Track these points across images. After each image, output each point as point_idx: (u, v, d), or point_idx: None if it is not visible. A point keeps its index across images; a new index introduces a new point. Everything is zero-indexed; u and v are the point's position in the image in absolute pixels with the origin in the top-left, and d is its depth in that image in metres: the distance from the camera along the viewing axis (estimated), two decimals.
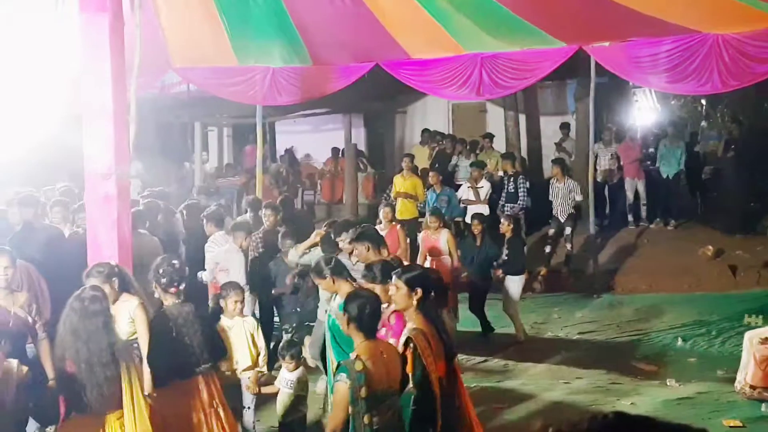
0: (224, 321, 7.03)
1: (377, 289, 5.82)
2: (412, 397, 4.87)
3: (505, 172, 14.91)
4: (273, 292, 9.57)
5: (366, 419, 4.62)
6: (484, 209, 13.70)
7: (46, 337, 6.30)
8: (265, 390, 7.07)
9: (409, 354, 4.91)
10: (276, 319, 10.00)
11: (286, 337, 9.25)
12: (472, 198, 14.13)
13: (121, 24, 7.14)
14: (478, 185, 14.20)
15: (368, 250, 7.45)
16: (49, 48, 8.36)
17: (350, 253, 8.17)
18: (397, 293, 5.22)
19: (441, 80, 12.48)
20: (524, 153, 17.81)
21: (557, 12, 10.40)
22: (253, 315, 8.92)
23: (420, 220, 13.65)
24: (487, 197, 14.19)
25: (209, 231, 9.72)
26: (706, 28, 10.07)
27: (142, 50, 7.70)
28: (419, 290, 5.18)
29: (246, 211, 11.34)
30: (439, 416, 4.93)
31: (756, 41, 9.85)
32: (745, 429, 7.41)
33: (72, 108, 8.75)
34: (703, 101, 21.51)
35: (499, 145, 17.30)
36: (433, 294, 5.31)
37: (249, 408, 7.08)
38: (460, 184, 15.04)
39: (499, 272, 10.76)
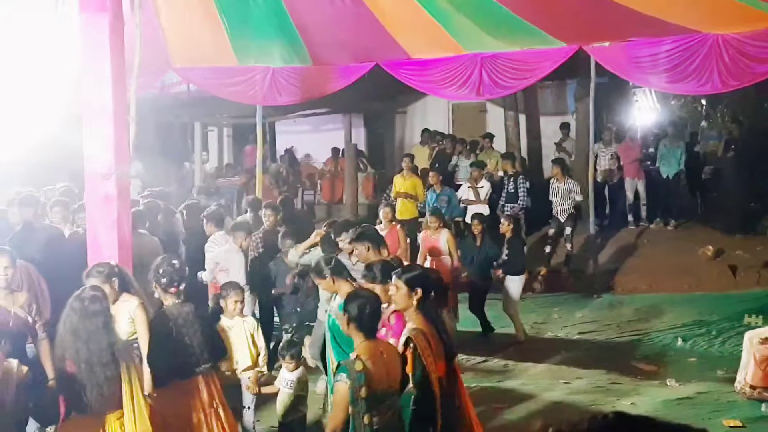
0: (224, 321, 7.03)
1: (377, 289, 5.82)
2: (412, 397, 4.86)
3: (505, 172, 14.91)
4: (273, 292, 9.57)
5: (366, 419, 4.62)
6: (484, 209, 13.70)
7: (46, 337, 6.30)
8: (265, 390, 7.08)
9: (409, 354, 4.91)
10: (276, 319, 10.00)
11: (286, 336, 9.25)
12: (472, 198, 14.13)
13: (121, 24, 7.14)
14: (478, 185, 14.21)
15: (368, 250, 7.44)
16: (49, 48, 8.35)
17: (350, 253, 8.17)
18: (397, 293, 5.22)
19: (441, 80, 12.48)
20: (524, 153, 17.81)
21: (557, 12, 10.40)
22: (253, 315, 8.92)
23: (420, 220, 13.65)
24: (487, 197, 14.19)
25: (209, 231, 9.72)
26: (706, 28, 10.07)
27: (142, 50, 7.70)
28: (419, 290, 5.18)
29: (246, 211, 11.34)
30: (439, 416, 4.93)
31: (756, 41, 9.85)
32: (745, 429, 7.41)
33: (72, 108, 8.75)
34: (703, 101, 21.52)
35: (499, 145, 17.30)
36: (433, 294, 5.31)
37: (249, 408, 7.08)
38: (460, 184, 15.04)
39: (500, 272, 10.76)
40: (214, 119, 20.20)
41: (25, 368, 5.93)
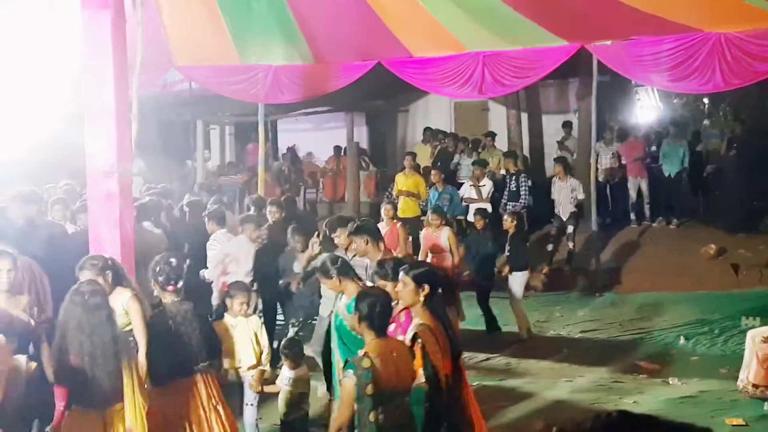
0: (228, 319, 7.03)
1: (389, 286, 5.81)
2: (424, 393, 4.84)
3: (507, 170, 14.90)
4: (281, 282, 9.59)
5: (372, 416, 4.62)
6: (487, 207, 13.70)
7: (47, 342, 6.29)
8: (267, 389, 7.06)
9: (417, 350, 4.90)
10: (279, 317, 10.02)
11: (291, 331, 9.30)
12: (474, 196, 14.13)
13: (122, 21, 7.14)
14: (480, 184, 14.21)
15: (367, 244, 7.42)
16: (49, 47, 8.35)
17: (346, 248, 8.15)
18: (404, 289, 5.22)
19: (443, 78, 12.48)
20: (526, 151, 17.81)
21: (559, 10, 10.39)
22: (255, 312, 8.92)
23: (422, 218, 13.65)
24: (489, 196, 14.20)
25: (211, 229, 9.74)
26: (708, 26, 10.06)
27: (144, 48, 7.70)
28: (426, 287, 5.17)
29: (249, 209, 11.36)
30: (449, 414, 4.93)
31: (758, 40, 9.84)
32: (748, 428, 7.40)
33: (72, 106, 8.77)
34: (706, 100, 21.47)
35: (501, 143, 17.30)
36: (440, 291, 5.30)
37: (252, 405, 7.07)
38: (462, 183, 15.04)
39: (506, 269, 10.78)
40: (216, 117, 20.20)
41: (33, 364, 5.94)
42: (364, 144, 20.67)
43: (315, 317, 9.00)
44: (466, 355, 9.61)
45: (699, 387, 8.66)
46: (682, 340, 10.36)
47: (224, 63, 13.03)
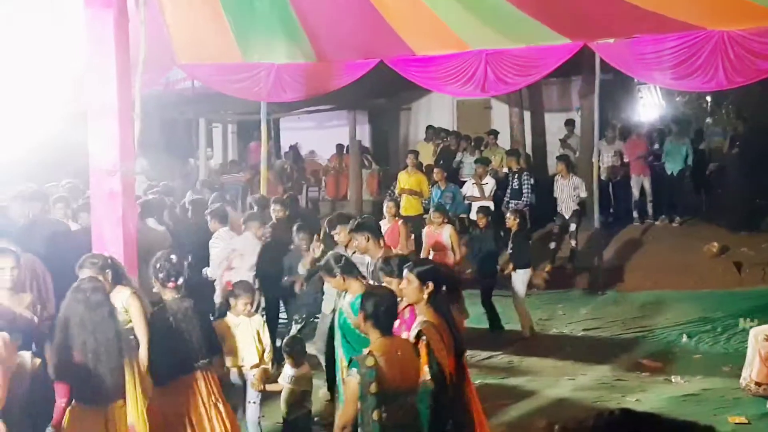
0: (230, 318, 7.03)
1: (394, 283, 5.80)
2: (430, 392, 4.83)
3: (509, 168, 14.90)
4: (285, 279, 9.61)
5: (375, 415, 4.61)
6: (489, 205, 13.69)
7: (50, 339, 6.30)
8: (269, 388, 7.06)
9: (422, 347, 4.89)
10: (281, 315, 10.04)
11: (294, 328, 9.32)
12: (477, 194, 14.13)
13: (125, 20, 7.14)
14: (483, 182, 14.21)
15: (368, 241, 7.42)
16: (50, 47, 8.36)
17: (346, 246, 8.15)
18: (408, 287, 5.22)
19: (445, 77, 12.46)
20: (529, 150, 17.80)
21: (562, 8, 10.38)
22: (258, 310, 8.94)
23: (425, 216, 13.65)
24: (492, 194, 14.19)
25: (213, 227, 9.76)
26: (711, 24, 10.05)
27: (147, 47, 7.71)
28: (430, 284, 5.17)
29: (252, 208, 11.37)
30: (452, 412, 4.93)
31: (762, 38, 9.82)
32: (751, 426, 7.40)
33: (73, 106, 8.77)
34: (708, 98, 21.48)
35: (504, 141, 17.29)
36: (444, 288, 5.31)
37: (254, 403, 7.07)
38: (465, 181, 15.04)
39: (509, 267, 10.78)
40: (218, 116, 20.20)
41: (38, 360, 5.95)
42: (367, 142, 20.68)
43: (318, 315, 9.01)
44: (468, 353, 9.62)
45: (702, 385, 8.66)
46: (684, 339, 10.37)
47: (227, 61, 13.03)
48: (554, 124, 18.03)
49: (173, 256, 6.15)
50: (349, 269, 6.50)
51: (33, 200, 8.78)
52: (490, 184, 14.25)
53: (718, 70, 10.16)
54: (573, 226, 13.85)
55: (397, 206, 11.57)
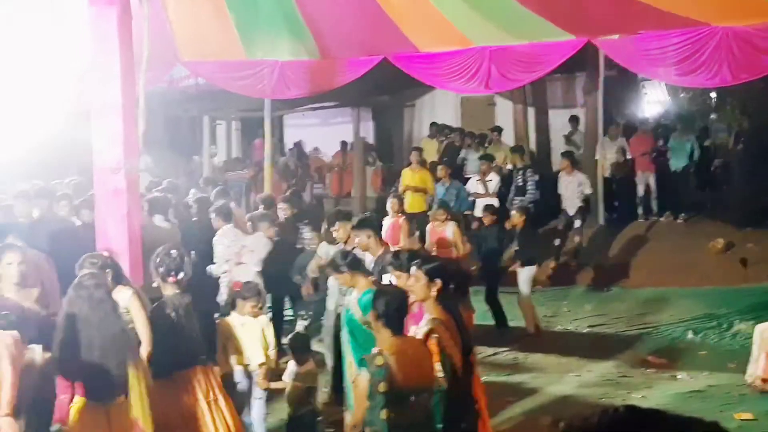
0: (234, 317, 7.01)
1: (403, 277, 5.80)
2: (443, 390, 4.82)
3: (513, 165, 14.88)
4: (294, 279, 9.62)
5: (383, 414, 4.59)
6: (494, 202, 13.68)
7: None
8: (274, 385, 7.05)
9: (432, 344, 4.88)
10: (286, 312, 10.05)
11: (300, 325, 9.33)
12: (481, 191, 14.11)
13: (129, 17, 7.15)
14: (487, 178, 14.19)
15: (369, 238, 7.41)
16: (51, 47, 8.36)
17: (345, 242, 8.14)
18: (416, 284, 5.21)
19: (449, 73, 12.44)
20: (533, 146, 17.78)
21: (566, 5, 10.36)
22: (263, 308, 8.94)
23: (429, 213, 13.64)
24: (496, 190, 14.18)
25: (217, 225, 9.75)
26: (715, 20, 10.02)
27: (150, 44, 7.71)
28: (438, 281, 5.16)
29: (258, 208, 11.37)
30: (469, 409, 4.93)
31: (766, 34, 9.79)
32: (757, 422, 7.39)
33: (74, 105, 8.78)
34: (713, 94, 21.43)
35: (508, 138, 17.26)
36: (452, 286, 5.30)
37: (260, 399, 7.07)
38: (469, 178, 15.02)
39: (515, 264, 10.78)
40: (222, 113, 20.20)
41: (47, 354, 5.96)
42: (371, 139, 20.66)
43: (323, 310, 9.04)
44: None
45: (707, 381, 8.66)
46: (690, 335, 10.35)
47: (230, 59, 13.02)
48: (558, 121, 17.99)
49: (173, 251, 6.17)
50: (356, 265, 6.51)
51: (39, 197, 8.81)
52: (494, 180, 14.23)
53: (723, 66, 10.13)
54: (578, 223, 13.84)
55: (401, 203, 11.55)
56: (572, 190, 13.81)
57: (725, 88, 15.49)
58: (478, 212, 13.06)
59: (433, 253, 10.45)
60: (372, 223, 7.67)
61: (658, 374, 9.04)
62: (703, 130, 18.29)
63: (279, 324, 9.39)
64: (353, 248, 7.73)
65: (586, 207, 14.05)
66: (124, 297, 6.22)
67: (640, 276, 13.23)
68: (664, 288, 12.62)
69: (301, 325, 9.62)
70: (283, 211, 10.28)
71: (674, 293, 12.26)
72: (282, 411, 7.33)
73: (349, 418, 5.68)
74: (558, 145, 17.20)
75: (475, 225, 13.02)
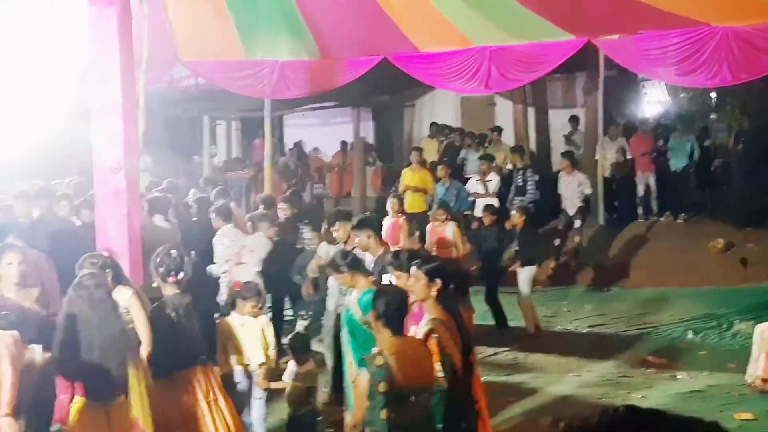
0: (234, 317, 7.01)
1: (403, 277, 5.80)
2: (444, 390, 4.82)
3: (513, 165, 14.88)
4: (295, 279, 9.62)
5: (383, 414, 4.59)
6: (494, 202, 13.68)
7: None
8: (274, 386, 7.05)
9: (432, 345, 4.88)
10: (286, 312, 10.04)
11: (300, 325, 9.33)
12: (481, 191, 14.11)
13: (129, 17, 7.15)
14: (487, 178, 14.18)
15: (369, 238, 7.41)
16: (51, 47, 8.36)
17: (345, 242, 8.14)
18: (416, 284, 5.21)
19: (449, 73, 12.43)
20: (533, 146, 17.78)
21: (566, 4, 10.36)
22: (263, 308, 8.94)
23: (429, 213, 13.64)
24: (496, 190, 14.18)
25: (217, 225, 9.75)
26: (715, 20, 10.02)
27: (150, 44, 7.71)
28: (438, 281, 5.16)
29: (259, 207, 11.36)
30: (469, 409, 4.93)
31: (766, 34, 9.79)
32: (757, 422, 7.39)
33: (73, 105, 8.77)
34: (713, 94, 21.42)
35: (508, 138, 17.26)
36: (452, 286, 5.29)
37: (260, 399, 7.07)
38: (469, 177, 15.02)
39: (515, 264, 10.78)
40: (222, 113, 20.20)
41: (47, 354, 5.96)
42: (371, 139, 20.66)
43: (323, 310, 9.04)
44: None
45: (707, 381, 8.65)
46: (690, 335, 10.35)
47: (230, 59, 13.02)
48: (558, 121, 17.98)
49: (173, 251, 6.17)
50: (356, 265, 6.51)
51: (39, 197, 8.81)
52: (494, 180, 14.23)
53: (723, 66, 10.13)
54: (578, 223, 13.83)
55: (401, 202, 11.55)
56: (572, 190, 13.81)
57: (725, 88, 15.49)
58: (478, 212, 13.06)
59: (433, 253, 10.47)
60: (372, 223, 7.67)
61: (658, 374, 9.04)
62: (703, 130, 18.28)
63: (279, 324, 9.39)
64: (353, 248, 7.73)
65: (586, 207, 14.05)
66: (124, 297, 6.22)
67: (640, 276, 13.23)
68: (664, 288, 12.62)
69: (301, 325, 9.61)
70: (283, 211, 10.28)
71: (674, 293, 12.26)
72: (282, 411, 7.33)
73: (349, 418, 5.68)
74: (558, 145, 17.19)
75: (475, 225, 13.02)
